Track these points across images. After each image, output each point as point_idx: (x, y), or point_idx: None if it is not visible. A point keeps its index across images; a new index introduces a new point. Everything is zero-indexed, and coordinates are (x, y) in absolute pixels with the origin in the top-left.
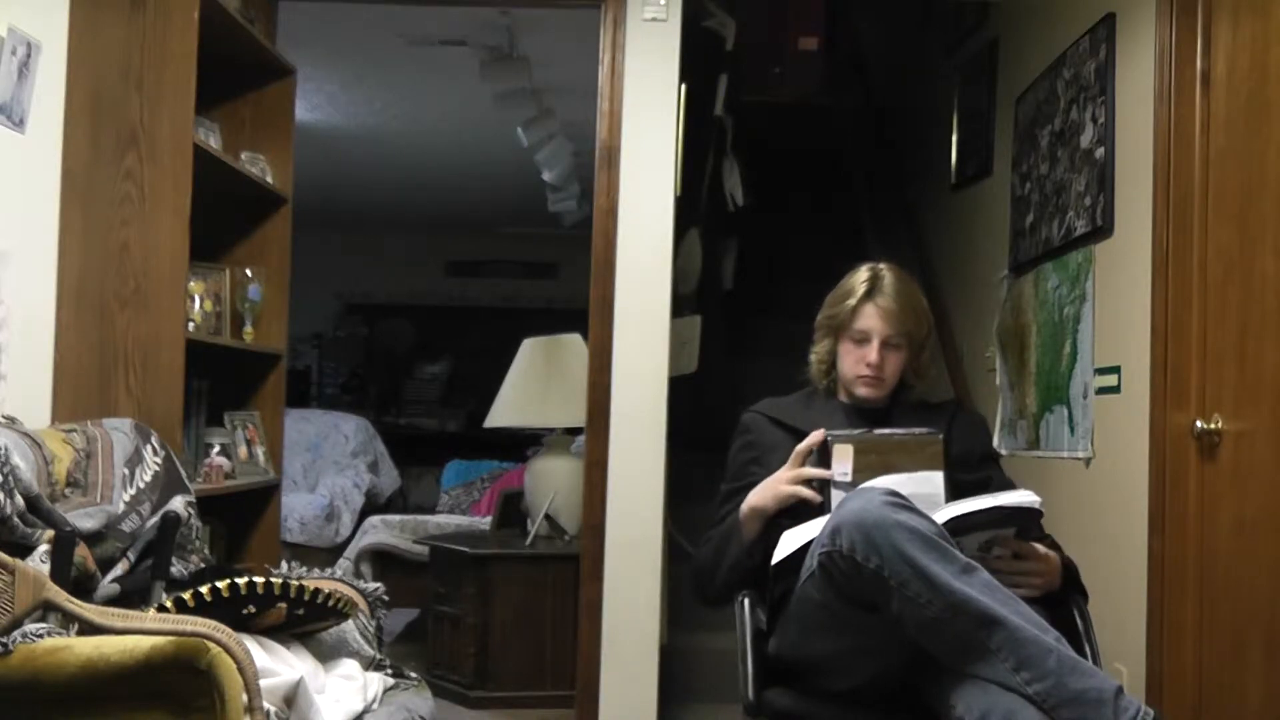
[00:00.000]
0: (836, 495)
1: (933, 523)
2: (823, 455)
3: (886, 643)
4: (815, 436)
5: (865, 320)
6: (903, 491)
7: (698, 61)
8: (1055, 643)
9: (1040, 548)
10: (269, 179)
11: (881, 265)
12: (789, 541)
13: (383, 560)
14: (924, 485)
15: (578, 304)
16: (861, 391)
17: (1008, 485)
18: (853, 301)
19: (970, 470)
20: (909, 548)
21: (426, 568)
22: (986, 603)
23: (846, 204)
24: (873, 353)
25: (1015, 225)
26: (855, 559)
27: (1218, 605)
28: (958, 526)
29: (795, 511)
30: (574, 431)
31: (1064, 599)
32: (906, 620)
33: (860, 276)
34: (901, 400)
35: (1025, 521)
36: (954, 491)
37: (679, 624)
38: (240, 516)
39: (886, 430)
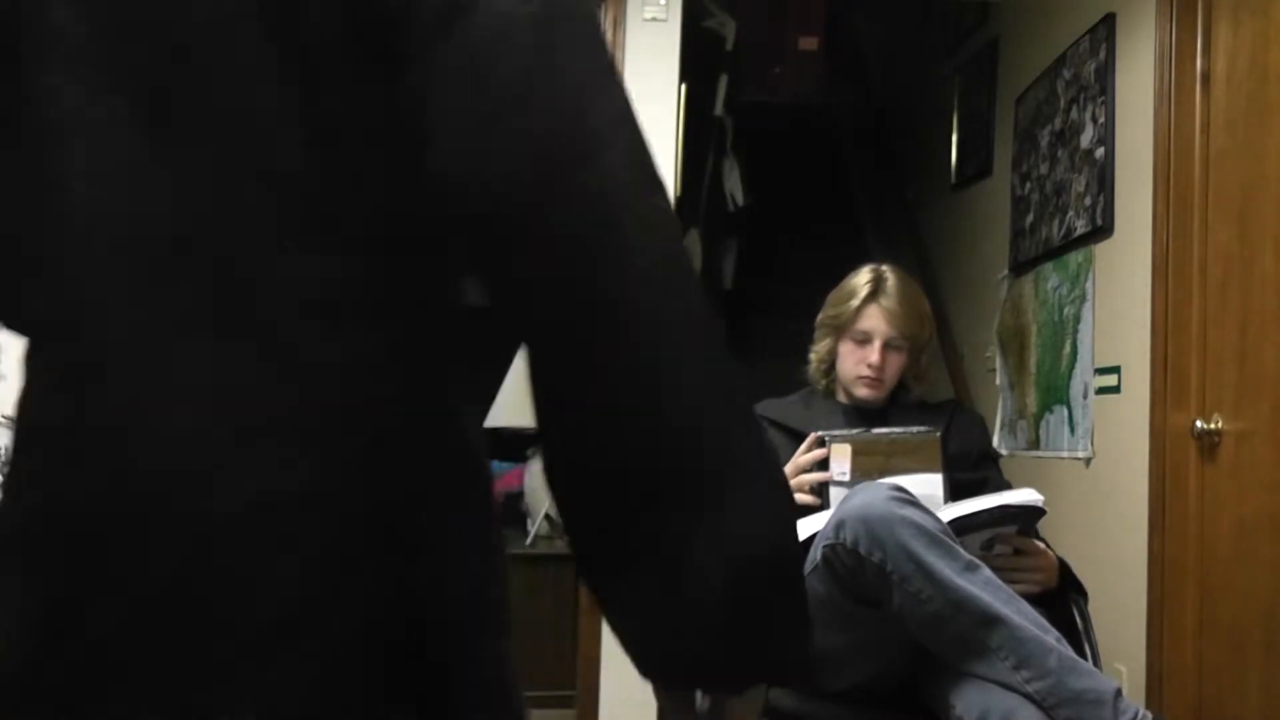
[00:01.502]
0: (835, 495)
1: (937, 519)
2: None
3: (887, 640)
4: (811, 440)
5: (868, 321)
6: None
7: (698, 61)
8: (1056, 643)
9: (1039, 544)
10: None
11: (885, 267)
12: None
13: None
14: (923, 486)
15: None
16: (861, 392)
17: (1005, 486)
18: (856, 302)
19: (968, 470)
20: (913, 543)
21: None
22: (988, 600)
23: (846, 204)
24: (874, 353)
25: (1015, 225)
26: (859, 553)
27: (1218, 605)
28: (963, 525)
29: (799, 514)
30: None
31: (1062, 598)
32: (907, 616)
33: (864, 277)
34: (900, 401)
35: (1027, 520)
36: (952, 491)
37: None
38: None
39: (884, 429)
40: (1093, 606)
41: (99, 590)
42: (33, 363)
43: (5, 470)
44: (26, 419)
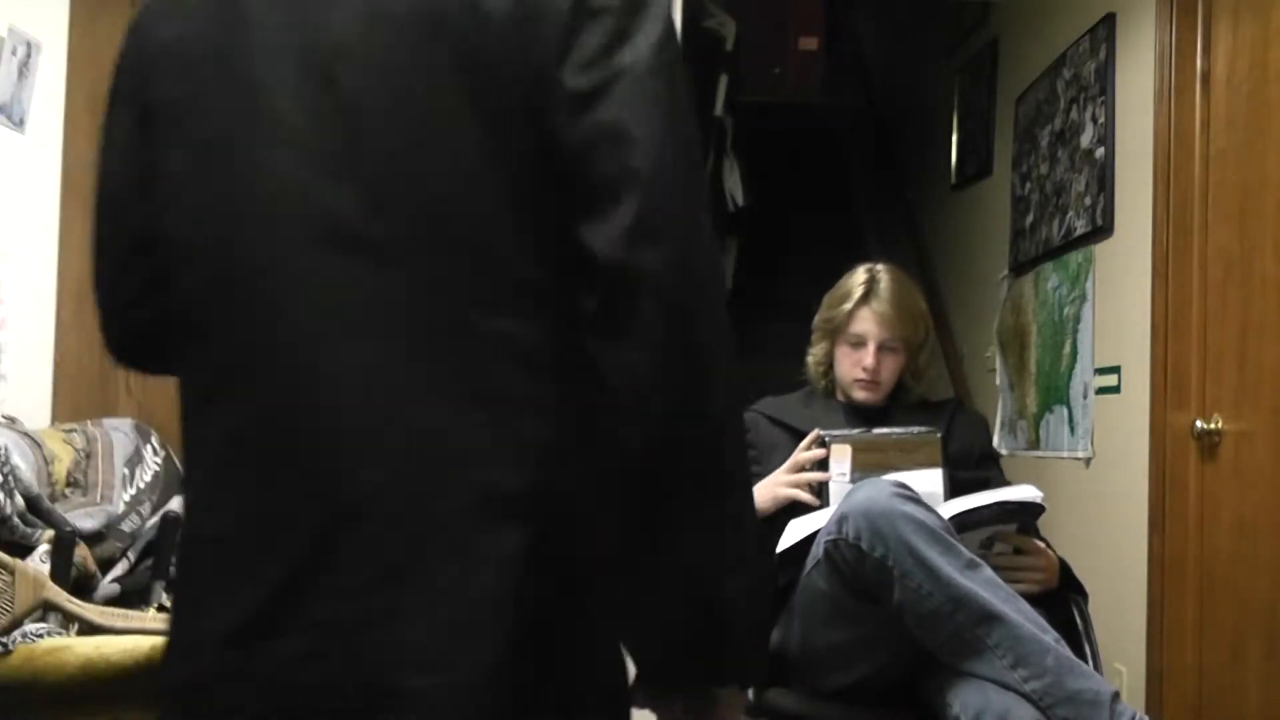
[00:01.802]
0: (835, 495)
1: (939, 516)
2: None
3: (887, 637)
4: (811, 439)
5: (861, 324)
6: None
7: (698, 61)
8: (1054, 643)
9: (1040, 544)
10: None
11: (879, 266)
12: (794, 530)
13: None
14: (923, 483)
15: None
16: (858, 395)
17: (1006, 485)
18: (849, 305)
19: (969, 469)
20: (914, 539)
21: None
22: (987, 598)
23: (846, 204)
24: (869, 356)
25: (1015, 225)
26: (860, 547)
27: (1218, 605)
28: (962, 523)
29: (794, 509)
30: None
31: (1063, 599)
32: (907, 612)
33: (857, 279)
34: (901, 399)
35: (1027, 517)
36: (953, 489)
37: None
38: None
39: (885, 429)
40: (1093, 606)
41: (320, 583)
42: (222, 396)
43: (5, 471)
44: (207, 437)
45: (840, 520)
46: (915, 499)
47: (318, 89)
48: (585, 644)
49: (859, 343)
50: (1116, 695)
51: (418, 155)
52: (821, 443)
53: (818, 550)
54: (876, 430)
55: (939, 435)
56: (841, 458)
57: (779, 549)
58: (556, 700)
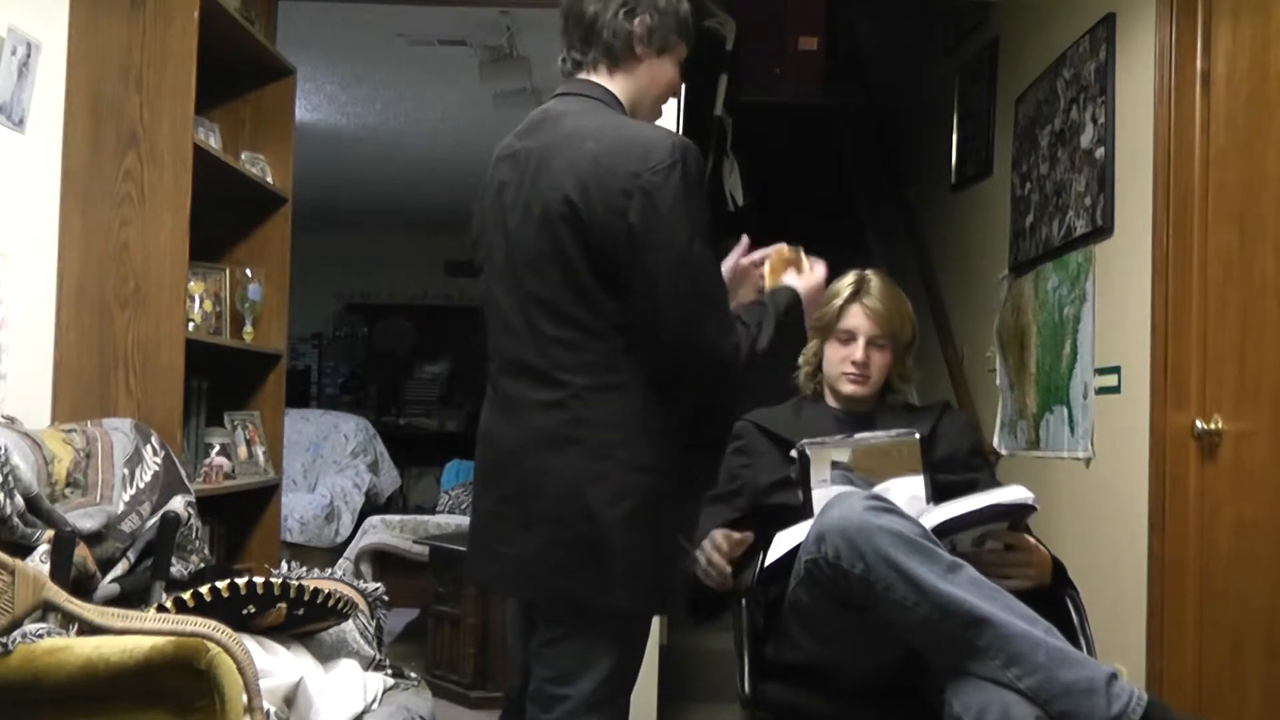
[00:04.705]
0: (819, 502)
1: (915, 523)
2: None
3: (881, 643)
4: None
5: (851, 319)
6: (885, 495)
7: (698, 61)
8: (1044, 635)
9: (1030, 539)
10: (269, 179)
11: (868, 270)
12: (780, 544)
13: (383, 560)
14: (905, 488)
15: None
16: (847, 389)
17: (996, 485)
18: (839, 301)
19: (958, 470)
20: (892, 551)
21: (426, 568)
22: (973, 601)
23: (846, 203)
24: (858, 350)
25: (1015, 225)
26: (840, 565)
27: (1218, 605)
28: (955, 525)
29: (783, 516)
30: None
31: (1058, 595)
32: (896, 623)
33: (847, 279)
34: (888, 402)
35: (1018, 517)
36: (938, 492)
37: (679, 624)
38: (240, 516)
39: (864, 434)
40: (1092, 607)
41: (487, 491)
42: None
43: (5, 471)
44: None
45: (818, 539)
46: (889, 508)
47: (519, 237)
48: (624, 539)
49: (849, 338)
50: (1113, 677)
51: (542, 264)
52: (801, 454)
53: (799, 568)
54: (857, 436)
55: (917, 437)
56: (821, 466)
57: (766, 563)
58: (591, 570)
